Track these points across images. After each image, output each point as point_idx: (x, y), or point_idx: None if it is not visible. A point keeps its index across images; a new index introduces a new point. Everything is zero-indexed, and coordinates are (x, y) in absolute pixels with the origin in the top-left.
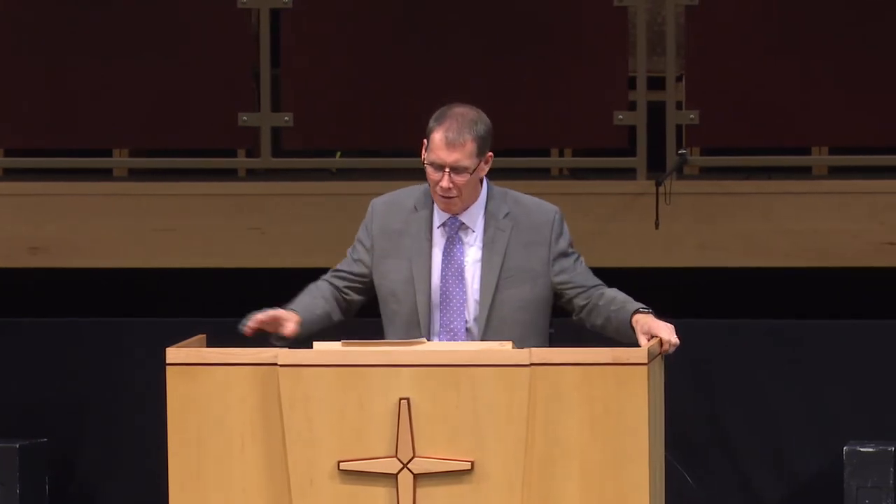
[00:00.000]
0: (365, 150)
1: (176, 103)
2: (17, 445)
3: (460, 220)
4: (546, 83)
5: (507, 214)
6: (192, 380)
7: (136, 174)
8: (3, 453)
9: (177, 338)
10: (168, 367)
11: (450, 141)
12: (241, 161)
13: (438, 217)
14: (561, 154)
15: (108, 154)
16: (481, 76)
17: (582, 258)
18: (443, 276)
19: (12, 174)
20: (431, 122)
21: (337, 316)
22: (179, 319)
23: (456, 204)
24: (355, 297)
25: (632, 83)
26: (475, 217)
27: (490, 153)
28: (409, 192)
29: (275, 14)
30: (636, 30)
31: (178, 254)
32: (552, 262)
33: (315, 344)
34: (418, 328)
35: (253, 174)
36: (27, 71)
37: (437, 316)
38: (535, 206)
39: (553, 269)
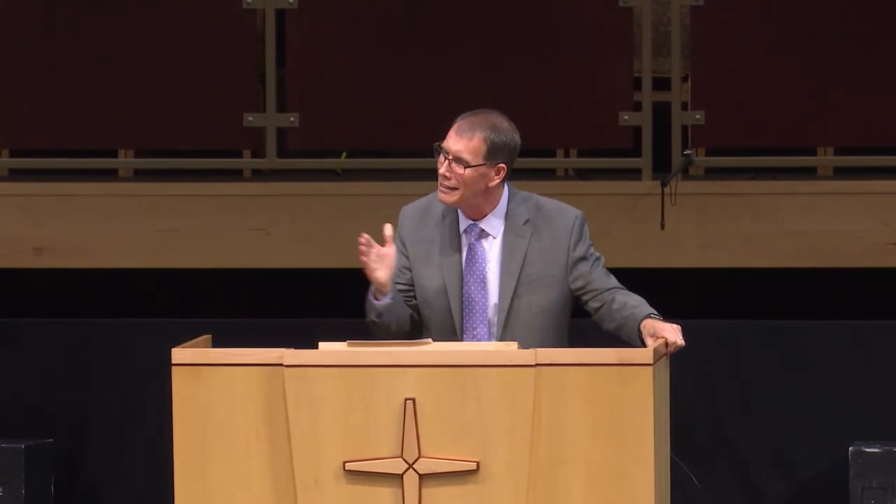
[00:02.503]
0: (370, 150)
1: (181, 104)
2: (23, 446)
3: (480, 227)
4: (551, 84)
5: (527, 221)
6: (198, 380)
7: (140, 175)
8: (8, 454)
9: (182, 338)
10: (174, 368)
11: (459, 130)
12: (246, 161)
13: (462, 223)
14: (566, 154)
15: (113, 155)
16: (487, 76)
17: (602, 260)
18: (465, 283)
19: (17, 175)
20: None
21: (409, 323)
22: (184, 320)
23: (452, 195)
24: (415, 303)
25: (637, 84)
26: (495, 224)
27: (502, 164)
28: (437, 199)
29: (280, 14)
30: (641, 30)
31: (182, 254)
32: (570, 269)
33: (321, 344)
34: (454, 334)
35: (258, 175)
36: (31, 71)
37: (463, 323)
38: (556, 211)
39: (571, 275)
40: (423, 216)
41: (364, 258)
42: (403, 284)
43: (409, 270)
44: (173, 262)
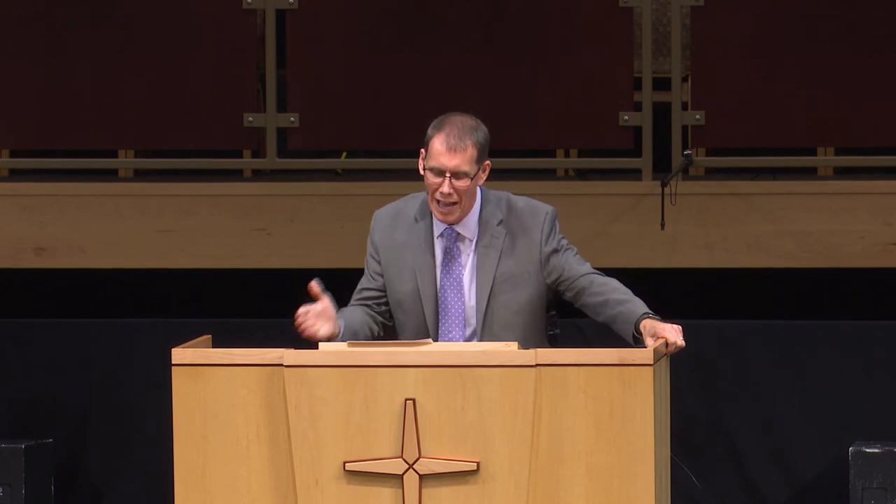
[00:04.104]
0: (370, 150)
1: (181, 104)
2: (23, 446)
3: (457, 231)
4: (551, 84)
5: (500, 222)
6: (198, 380)
7: (141, 175)
8: (8, 454)
9: (182, 338)
10: (174, 368)
11: (451, 146)
12: (246, 161)
13: (437, 227)
14: (566, 155)
15: (114, 155)
16: (487, 77)
17: (573, 249)
18: (441, 288)
19: (18, 175)
20: (430, 130)
21: (377, 329)
22: (185, 320)
23: (454, 212)
24: (386, 308)
25: (637, 84)
26: (470, 226)
27: (488, 162)
28: (411, 202)
29: (280, 15)
30: (641, 30)
31: (183, 254)
32: (544, 264)
33: (321, 344)
34: (427, 338)
35: (258, 175)
36: (31, 71)
37: (437, 326)
38: (527, 209)
39: (545, 270)
40: (395, 220)
41: (303, 326)
42: (374, 290)
43: (381, 276)
44: (173, 262)
